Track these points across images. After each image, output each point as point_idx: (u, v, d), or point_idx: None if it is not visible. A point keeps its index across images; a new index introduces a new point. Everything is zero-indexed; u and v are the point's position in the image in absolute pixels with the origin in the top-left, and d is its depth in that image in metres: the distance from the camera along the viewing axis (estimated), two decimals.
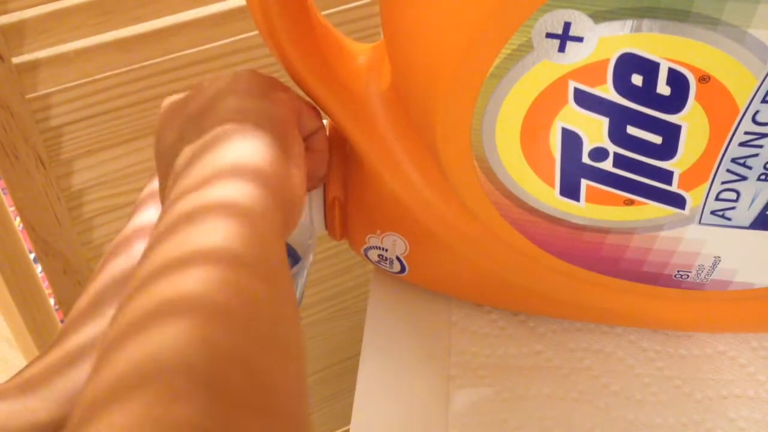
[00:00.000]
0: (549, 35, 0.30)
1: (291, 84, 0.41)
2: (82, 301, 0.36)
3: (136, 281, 0.25)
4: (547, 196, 0.37)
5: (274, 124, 0.33)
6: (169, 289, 0.24)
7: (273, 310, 0.25)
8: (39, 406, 0.32)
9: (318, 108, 0.40)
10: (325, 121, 0.44)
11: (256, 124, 0.32)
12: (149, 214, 0.39)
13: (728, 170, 0.34)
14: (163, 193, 0.35)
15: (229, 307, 0.23)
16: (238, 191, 0.28)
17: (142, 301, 0.24)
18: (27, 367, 0.34)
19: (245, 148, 0.30)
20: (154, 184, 0.41)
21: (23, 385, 0.32)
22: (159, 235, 0.27)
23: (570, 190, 0.36)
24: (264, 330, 0.24)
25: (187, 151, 0.31)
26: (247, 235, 0.26)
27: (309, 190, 0.41)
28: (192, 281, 0.24)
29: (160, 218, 0.28)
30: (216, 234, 0.26)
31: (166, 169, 0.33)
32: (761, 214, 0.35)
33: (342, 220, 0.45)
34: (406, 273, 0.47)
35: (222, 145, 0.30)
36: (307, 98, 0.40)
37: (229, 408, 0.21)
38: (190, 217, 0.27)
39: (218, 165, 0.29)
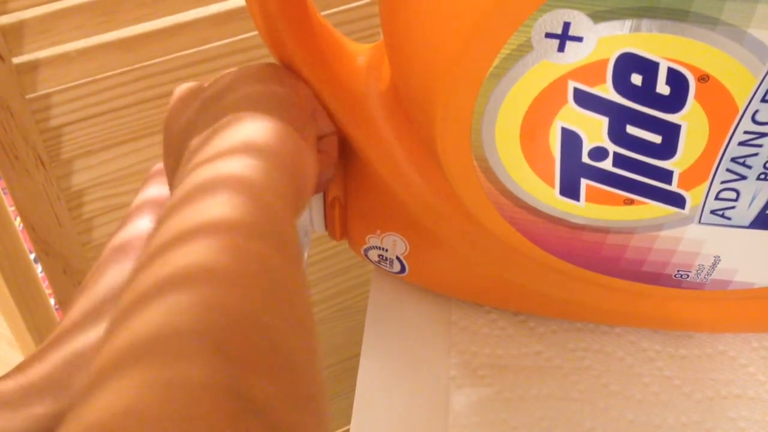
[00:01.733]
0: (548, 35, 0.30)
1: None
2: (84, 302, 0.35)
3: (149, 250, 0.25)
4: (546, 195, 0.37)
5: (287, 106, 0.33)
6: (181, 257, 0.24)
7: (284, 278, 0.25)
8: (39, 406, 0.32)
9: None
10: None
11: (270, 105, 0.32)
12: (146, 222, 0.39)
13: (728, 170, 0.34)
14: (171, 176, 0.35)
15: (239, 273, 0.24)
16: (251, 166, 0.28)
17: (154, 270, 0.24)
18: (26, 364, 0.33)
19: (258, 128, 0.31)
20: (147, 193, 0.41)
21: (26, 386, 0.32)
22: (173, 205, 0.27)
23: (570, 190, 0.36)
24: (276, 296, 0.24)
25: (203, 134, 0.32)
26: (259, 207, 0.27)
27: (315, 192, 0.41)
28: (204, 250, 0.24)
29: (175, 191, 0.28)
30: (228, 205, 0.26)
31: (175, 152, 0.34)
32: (761, 213, 0.35)
33: (342, 220, 0.45)
34: (406, 273, 0.47)
35: (236, 125, 0.31)
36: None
37: (240, 368, 0.21)
38: (203, 190, 0.27)
39: (232, 142, 0.30)
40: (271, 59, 0.39)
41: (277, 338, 0.23)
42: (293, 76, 0.37)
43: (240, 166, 0.28)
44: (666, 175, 0.34)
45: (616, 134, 0.33)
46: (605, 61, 0.30)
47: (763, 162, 0.33)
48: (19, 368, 0.33)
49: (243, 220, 0.26)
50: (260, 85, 0.34)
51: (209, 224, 0.25)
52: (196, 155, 0.30)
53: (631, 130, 0.33)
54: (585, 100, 0.32)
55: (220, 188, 0.27)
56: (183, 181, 0.28)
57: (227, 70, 0.37)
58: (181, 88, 0.37)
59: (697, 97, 0.31)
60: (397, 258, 0.46)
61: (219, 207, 0.26)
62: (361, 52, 0.42)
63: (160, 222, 0.27)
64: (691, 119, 0.32)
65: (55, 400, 0.32)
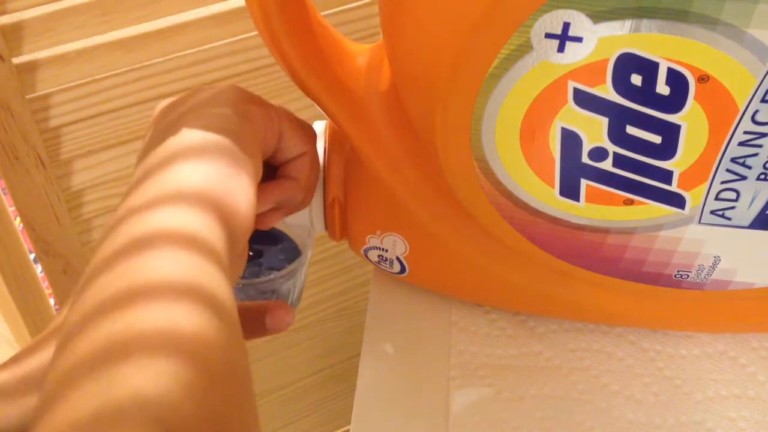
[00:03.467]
0: (548, 35, 0.30)
1: (291, 85, 0.41)
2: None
3: (88, 305, 0.25)
4: (546, 196, 0.37)
5: (231, 140, 0.32)
6: (133, 324, 0.23)
7: (226, 351, 0.25)
8: (35, 396, 0.32)
9: (308, 132, 0.39)
10: (323, 124, 0.44)
11: (210, 143, 0.32)
12: None
13: (728, 170, 0.34)
14: None
15: (199, 353, 0.23)
16: (188, 220, 0.28)
17: (101, 332, 0.23)
18: (22, 355, 0.33)
19: (191, 173, 0.30)
20: None
21: (21, 376, 0.32)
22: (106, 259, 0.26)
23: (570, 190, 0.36)
24: (225, 376, 0.24)
25: (142, 166, 0.31)
26: (207, 272, 0.26)
27: (282, 215, 0.40)
28: (160, 319, 0.23)
29: (106, 235, 0.28)
30: (178, 268, 0.26)
31: None
32: (761, 213, 0.35)
33: (342, 220, 0.45)
34: (406, 273, 0.47)
35: (170, 167, 0.30)
36: (299, 120, 0.39)
37: None
38: (143, 246, 0.26)
39: (165, 190, 0.29)
40: (272, 59, 0.39)
41: (218, 416, 0.23)
42: (253, 100, 0.36)
43: (173, 217, 0.28)
44: (666, 176, 0.34)
45: (616, 134, 0.33)
46: (605, 62, 0.30)
47: (763, 162, 0.33)
48: (15, 359, 0.33)
49: (184, 282, 0.25)
50: (215, 116, 0.33)
51: (152, 288, 0.25)
52: (131, 195, 0.30)
53: (630, 130, 0.33)
54: (585, 100, 0.32)
55: (158, 243, 0.26)
56: (117, 228, 0.28)
57: (201, 87, 0.37)
58: (159, 106, 0.37)
59: (696, 97, 0.31)
60: (397, 258, 0.46)
61: (161, 266, 0.25)
62: (361, 52, 0.42)
63: (95, 271, 0.26)
64: (690, 119, 0.32)
65: None
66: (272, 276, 0.41)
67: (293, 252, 0.45)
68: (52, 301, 0.67)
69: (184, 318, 0.24)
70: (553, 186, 0.36)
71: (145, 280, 0.25)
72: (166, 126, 0.34)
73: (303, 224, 0.45)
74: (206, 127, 0.32)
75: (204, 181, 0.30)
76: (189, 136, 0.32)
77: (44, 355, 0.33)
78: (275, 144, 0.37)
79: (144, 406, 0.21)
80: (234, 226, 0.30)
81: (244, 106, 0.35)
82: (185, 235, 0.27)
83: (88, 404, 0.21)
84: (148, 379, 0.21)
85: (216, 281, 0.26)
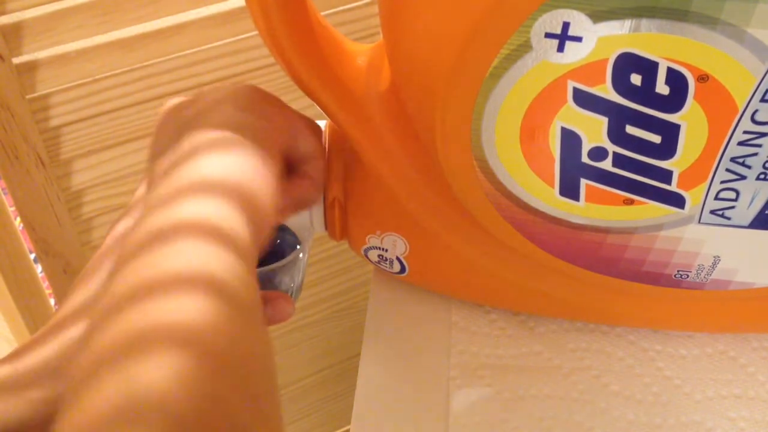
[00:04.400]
0: (548, 35, 0.30)
1: (291, 85, 0.41)
2: (82, 292, 0.35)
3: (112, 300, 0.25)
4: (546, 195, 0.37)
5: (257, 139, 0.33)
6: (149, 317, 0.24)
7: (249, 352, 0.25)
8: (36, 390, 0.32)
9: (318, 133, 0.40)
10: (322, 124, 0.44)
11: (234, 139, 0.32)
12: None
13: (727, 169, 0.34)
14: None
15: (213, 347, 0.23)
16: (212, 211, 0.28)
17: (120, 327, 0.23)
18: (22, 350, 0.33)
19: (217, 165, 0.31)
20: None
21: (22, 370, 0.32)
22: (133, 251, 0.26)
23: (569, 190, 0.36)
24: (241, 370, 0.24)
25: (165, 161, 0.32)
26: (224, 262, 0.26)
27: (295, 212, 0.41)
28: (176, 313, 0.24)
29: (134, 230, 0.28)
30: (194, 259, 0.26)
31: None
32: (760, 213, 0.35)
33: (342, 220, 0.45)
34: (406, 273, 0.47)
35: (195, 159, 0.31)
36: (311, 120, 0.39)
37: None
38: (166, 237, 0.26)
39: (190, 182, 0.29)
40: (272, 59, 0.39)
41: (237, 419, 0.23)
42: (270, 100, 0.36)
43: (200, 210, 0.28)
44: (665, 175, 0.34)
45: (616, 134, 0.33)
46: (605, 61, 0.30)
47: (763, 162, 0.33)
48: (16, 353, 0.33)
49: (211, 279, 0.25)
50: (231, 113, 0.34)
51: (177, 281, 0.25)
52: (158, 188, 0.30)
53: (630, 130, 0.33)
54: (584, 100, 0.32)
55: (182, 237, 0.27)
56: (144, 221, 0.28)
57: (213, 85, 0.37)
58: (168, 104, 0.37)
59: (696, 96, 0.31)
60: (397, 258, 0.46)
61: (185, 260, 0.26)
62: (361, 52, 0.42)
63: (121, 264, 0.26)
64: (690, 119, 0.32)
65: (52, 385, 0.32)
66: (272, 265, 0.42)
67: (293, 242, 0.45)
68: (52, 301, 0.67)
69: (202, 313, 0.24)
70: (552, 186, 0.36)
71: (165, 275, 0.25)
72: (185, 123, 0.34)
73: (303, 223, 0.45)
74: (226, 124, 0.33)
75: (229, 172, 0.30)
76: (212, 131, 0.32)
77: (46, 350, 0.33)
78: (291, 143, 0.37)
79: (161, 402, 0.21)
80: (258, 218, 0.31)
81: (261, 105, 0.35)
82: (209, 227, 0.27)
83: (108, 401, 0.21)
84: (165, 375, 0.22)
85: (237, 274, 0.26)
